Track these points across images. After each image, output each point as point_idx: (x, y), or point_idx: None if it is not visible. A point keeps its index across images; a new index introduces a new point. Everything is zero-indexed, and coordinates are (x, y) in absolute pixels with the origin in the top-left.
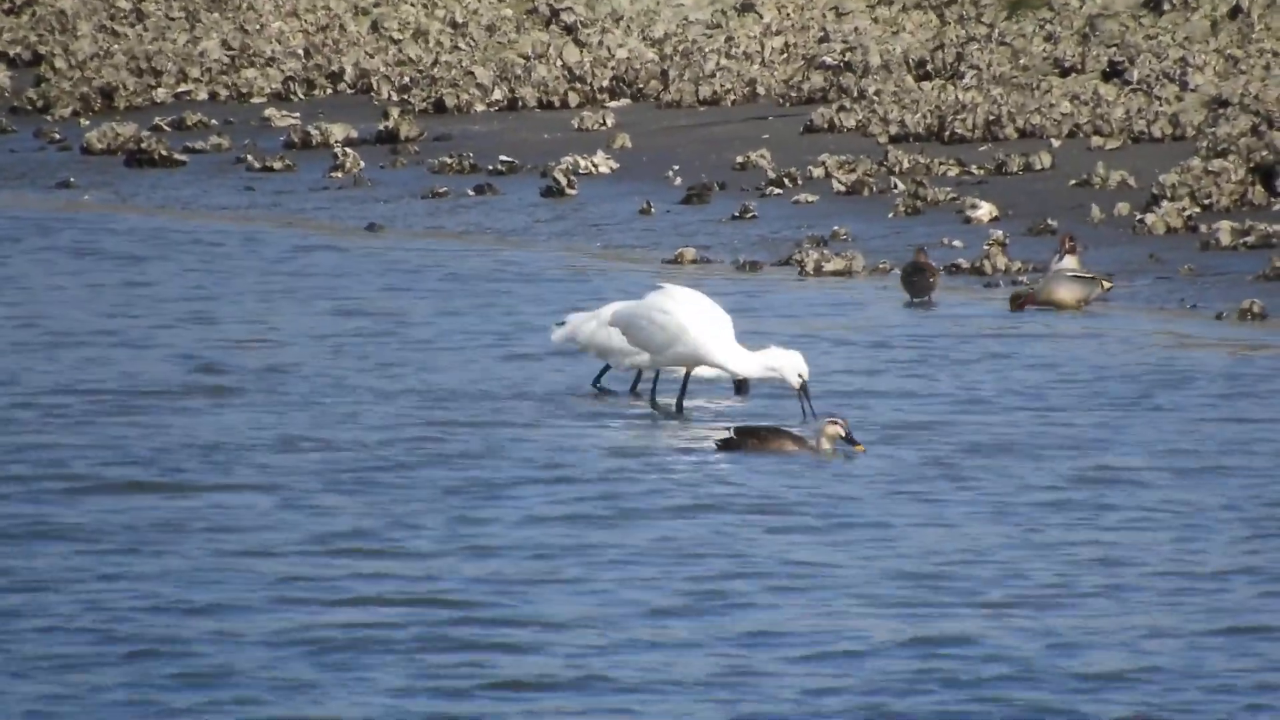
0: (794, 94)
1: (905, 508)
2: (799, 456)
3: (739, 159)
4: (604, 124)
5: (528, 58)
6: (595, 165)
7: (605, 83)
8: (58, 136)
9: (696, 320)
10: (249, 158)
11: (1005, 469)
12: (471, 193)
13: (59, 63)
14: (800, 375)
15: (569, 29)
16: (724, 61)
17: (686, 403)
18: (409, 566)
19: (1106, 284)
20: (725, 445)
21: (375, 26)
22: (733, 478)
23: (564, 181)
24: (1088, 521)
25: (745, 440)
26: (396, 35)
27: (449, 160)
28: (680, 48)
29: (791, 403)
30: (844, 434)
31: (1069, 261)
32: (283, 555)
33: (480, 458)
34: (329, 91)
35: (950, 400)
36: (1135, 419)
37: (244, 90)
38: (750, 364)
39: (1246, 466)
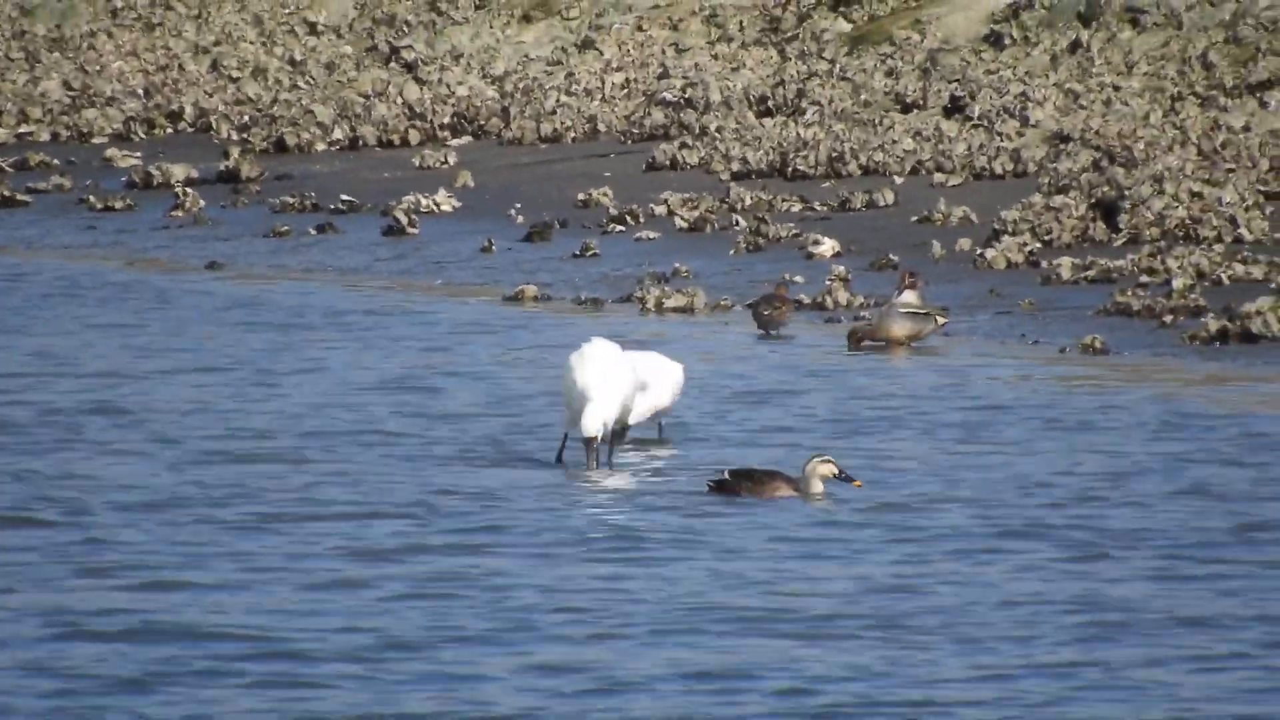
0: (635, 131)
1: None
2: (792, 500)
3: (581, 196)
4: (445, 162)
5: (368, 96)
6: (437, 203)
7: (446, 120)
8: None
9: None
10: (91, 198)
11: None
12: (313, 231)
13: None
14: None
15: (409, 67)
16: (565, 98)
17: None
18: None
19: (941, 319)
20: (719, 487)
21: (215, 65)
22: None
23: (405, 220)
24: (859, 551)
25: (740, 483)
26: (236, 74)
27: (290, 199)
28: (521, 85)
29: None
30: (836, 472)
31: (909, 297)
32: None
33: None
34: (170, 131)
35: (761, 430)
36: (939, 450)
37: (85, 130)
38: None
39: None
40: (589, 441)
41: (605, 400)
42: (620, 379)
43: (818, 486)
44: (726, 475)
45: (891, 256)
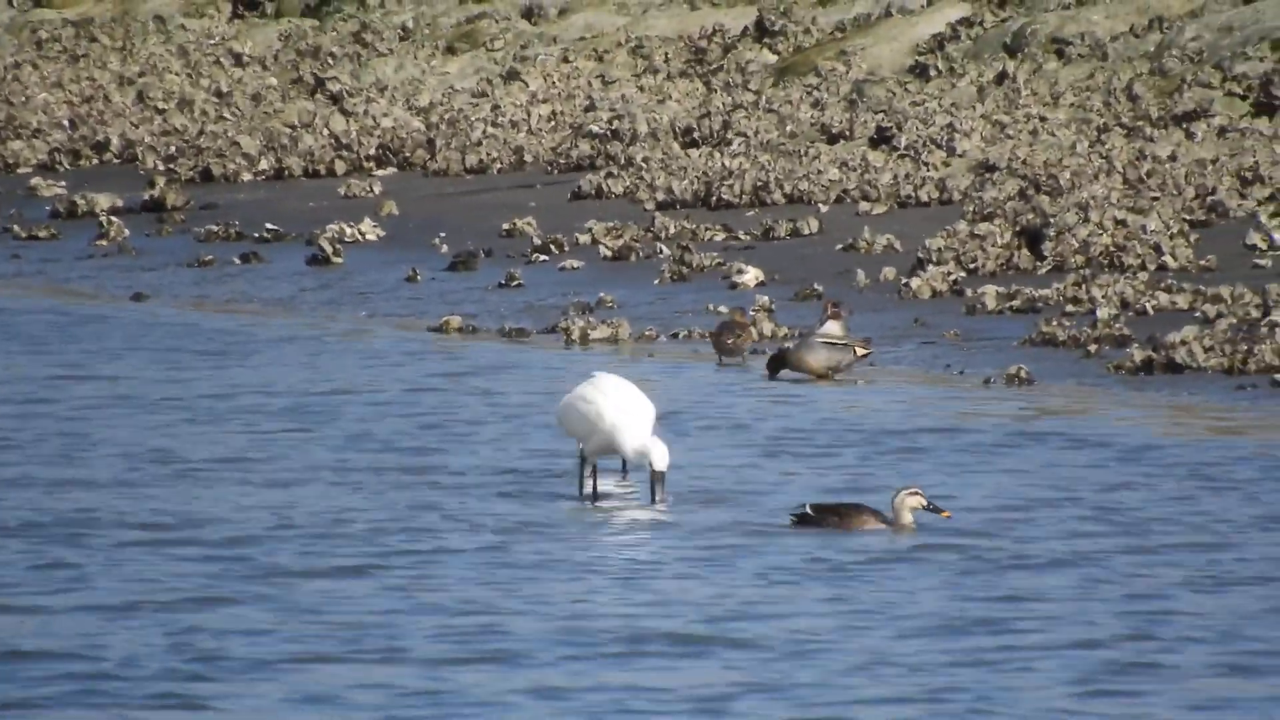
0: (561, 161)
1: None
2: (881, 533)
3: (506, 226)
4: (371, 192)
5: (294, 127)
6: (362, 233)
7: (372, 151)
8: None
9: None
10: (15, 227)
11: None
12: (238, 261)
13: None
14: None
15: (335, 98)
16: (491, 130)
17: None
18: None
19: (861, 350)
20: (801, 521)
21: (140, 97)
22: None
23: (330, 250)
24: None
25: (824, 517)
26: (162, 105)
27: (215, 228)
28: (446, 116)
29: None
30: (925, 503)
31: (832, 327)
32: None
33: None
34: (95, 162)
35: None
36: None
37: (10, 161)
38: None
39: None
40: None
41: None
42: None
43: (907, 518)
44: (809, 510)
45: (816, 286)
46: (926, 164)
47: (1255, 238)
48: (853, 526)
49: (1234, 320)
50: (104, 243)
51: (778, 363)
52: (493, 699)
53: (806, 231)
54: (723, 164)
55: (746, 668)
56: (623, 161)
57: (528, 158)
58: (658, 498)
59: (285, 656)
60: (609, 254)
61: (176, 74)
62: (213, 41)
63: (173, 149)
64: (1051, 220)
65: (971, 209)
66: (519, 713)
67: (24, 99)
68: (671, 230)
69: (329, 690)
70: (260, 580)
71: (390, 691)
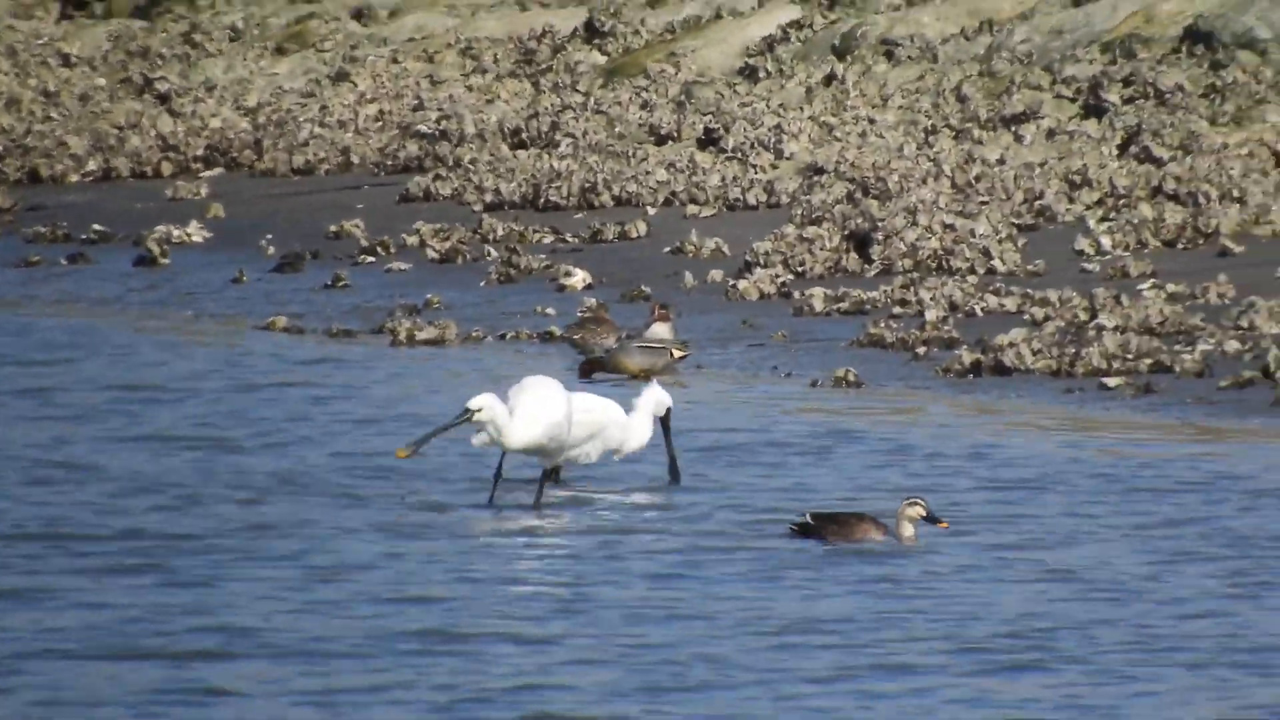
0: (389, 162)
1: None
2: (885, 543)
3: (333, 228)
4: (198, 193)
5: (122, 128)
6: (189, 234)
7: (199, 152)
8: None
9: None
10: None
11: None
12: (65, 262)
13: None
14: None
15: (163, 98)
16: (318, 130)
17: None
18: None
19: (678, 352)
20: (802, 531)
21: None
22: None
23: (157, 250)
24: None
25: (825, 526)
26: None
27: (43, 229)
28: (274, 117)
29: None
30: (925, 514)
31: (659, 329)
32: None
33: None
34: None
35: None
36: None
37: None
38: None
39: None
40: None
41: (530, 422)
42: (554, 410)
43: (909, 530)
44: (809, 519)
45: (644, 288)
46: (754, 166)
47: (1083, 242)
48: (853, 536)
49: (1062, 323)
50: None
51: (592, 365)
52: None
53: (634, 234)
54: (551, 165)
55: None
56: (451, 163)
57: (355, 158)
58: (539, 501)
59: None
60: (436, 256)
61: (4, 74)
62: (41, 42)
63: (1, 149)
64: (880, 224)
65: (800, 212)
66: None
67: None
68: (499, 232)
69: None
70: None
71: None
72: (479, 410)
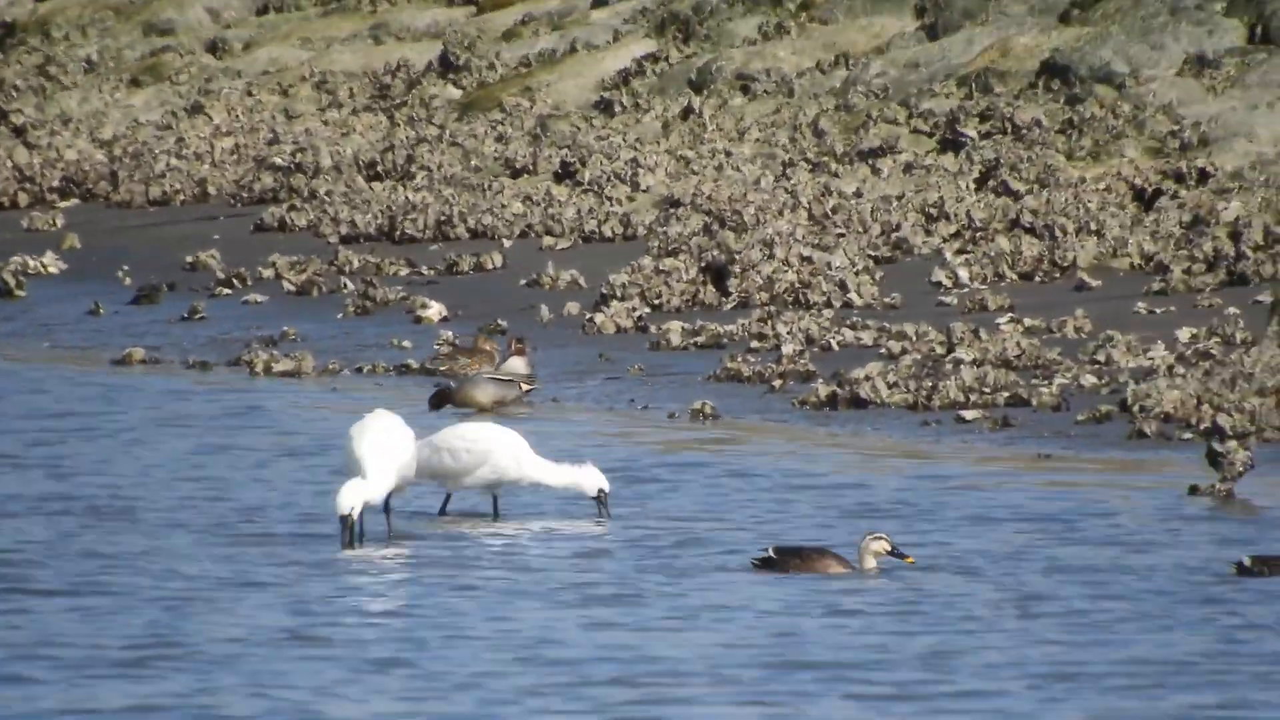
0: (245, 194)
1: None
2: (844, 577)
3: (189, 259)
4: (54, 224)
5: None
6: (44, 265)
7: (55, 183)
8: None
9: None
10: None
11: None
12: None
13: None
14: (600, 489)
15: (18, 130)
16: (174, 162)
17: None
18: None
19: (526, 385)
20: (764, 565)
21: None
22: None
23: (13, 282)
24: None
25: (787, 561)
26: None
27: None
28: (130, 149)
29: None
30: (889, 549)
31: (515, 363)
32: None
33: None
34: None
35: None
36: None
37: None
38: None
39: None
40: (344, 519)
41: (378, 472)
42: (397, 448)
43: (871, 563)
44: (771, 553)
45: (500, 321)
46: (610, 199)
47: (940, 274)
48: (815, 570)
49: (919, 356)
50: None
51: (442, 398)
52: None
53: (490, 266)
54: (406, 198)
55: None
56: (306, 194)
57: (211, 190)
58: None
59: None
60: (292, 288)
61: None
62: None
63: None
64: (736, 256)
65: (656, 244)
66: None
67: None
68: (355, 264)
69: None
70: None
71: None
72: (349, 511)
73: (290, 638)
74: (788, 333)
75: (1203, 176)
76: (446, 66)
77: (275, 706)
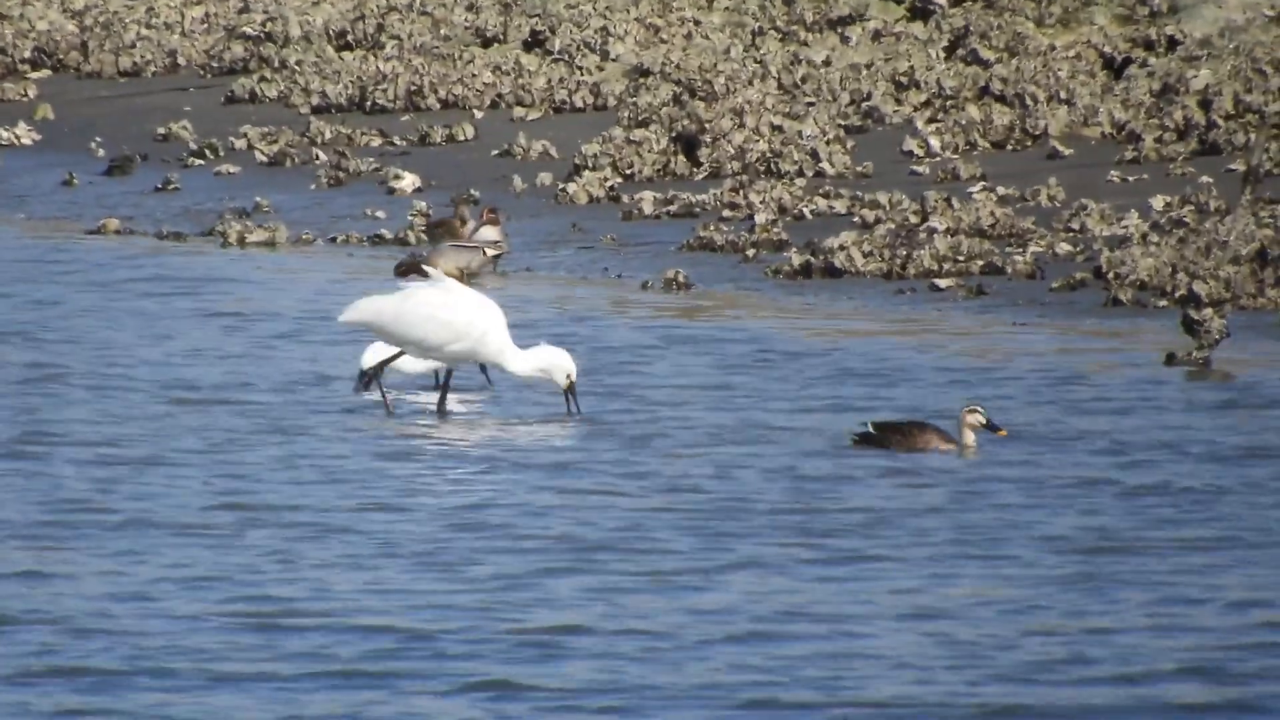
0: (215, 65)
1: None
2: (947, 453)
3: (161, 130)
4: (26, 95)
5: None
6: (17, 136)
7: (27, 54)
8: None
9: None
10: None
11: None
12: None
13: None
14: (569, 375)
15: None
16: (145, 32)
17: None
18: None
19: (490, 251)
20: (864, 441)
21: None
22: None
23: None
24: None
25: (888, 436)
26: None
27: None
28: (101, 19)
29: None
30: (984, 421)
31: (488, 232)
32: None
33: None
34: None
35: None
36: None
37: None
38: (524, 363)
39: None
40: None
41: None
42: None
43: (970, 438)
44: (870, 428)
45: (473, 191)
46: (581, 69)
47: (912, 143)
48: (916, 446)
49: (893, 226)
50: None
51: (409, 268)
52: None
53: (462, 137)
54: (377, 68)
55: None
56: (276, 64)
57: (182, 60)
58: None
59: None
60: (265, 159)
61: None
62: None
63: None
64: (707, 126)
65: (627, 114)
66: None
67: None
68: (327, 135)
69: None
70: None
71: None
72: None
73: None
74: (760, 202)
75: (1172, 44)
76: None
77: None
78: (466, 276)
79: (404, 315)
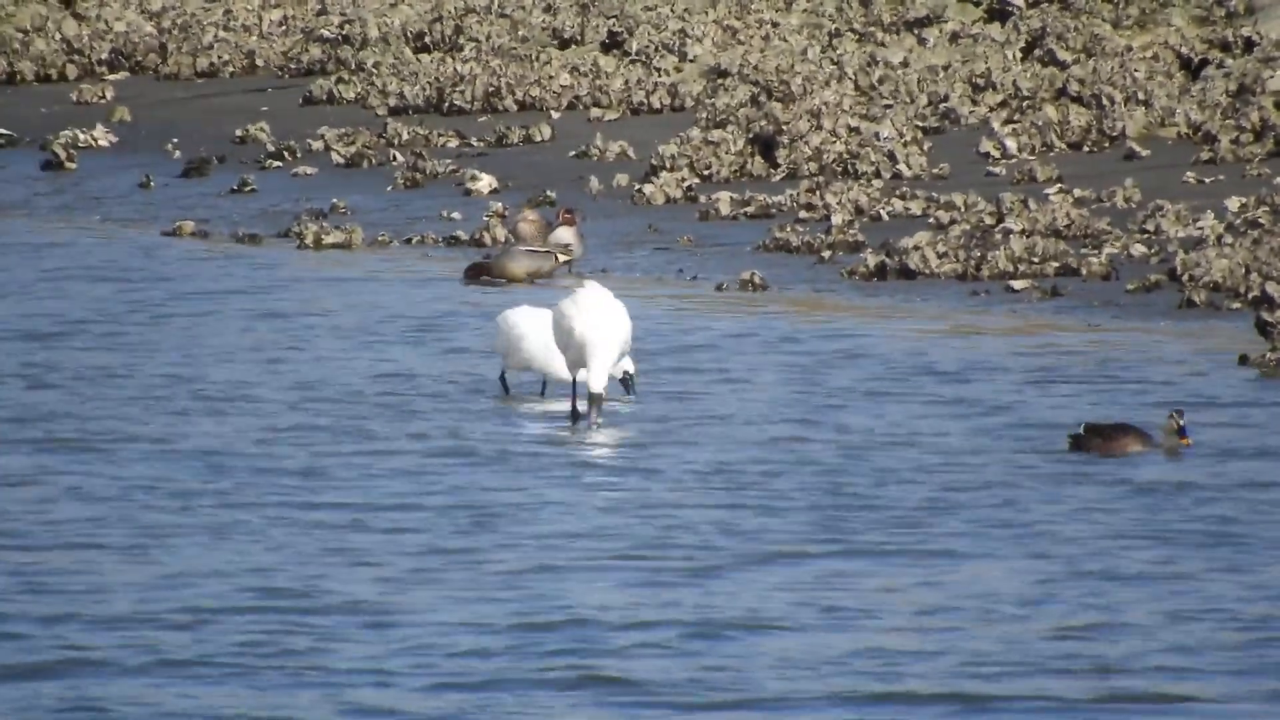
0: (293, 66)
1: None
2: (1147, 456)
3: (239, 132)
4: (103, 97)
5: (26, 31)
6: (95, 138)
7: (104, 55)
8: None
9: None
10: None
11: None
12: None
13: None
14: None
15: (67, 2)
16: (222, 34)
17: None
18: None
19: (563, 256)
20: (1076, 444)
21: None
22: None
23: (63, 155)
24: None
25: (1090, 440)
26: None
27: None
28: (179, 20)
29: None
30: (1176, 427)
31: (564, 233)
32: None
33: None
34: None
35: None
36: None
37: None
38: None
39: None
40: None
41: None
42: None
43: (1172, 442)
44: (1082, 430)
45: (549, 192)
46: (659, 70)
47: (988, 145)
48: (1114, 450)
49: (968, 227)
50: None
51: (478, 270)
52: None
53: (539, 138)
54: (455, 69)
55: None
56: (354, 66)
57: (259, 62)
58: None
59: None
60: (341, 160)
61: None
62: None
63: None
64: (784, 127)
65: (704, 115)
66: None
67: None
68: (404, 137)
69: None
70: None
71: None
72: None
73: None
74: (836, 203)
75: (1249, 45)
76: None
77: None
78: (534, 280)
79: None
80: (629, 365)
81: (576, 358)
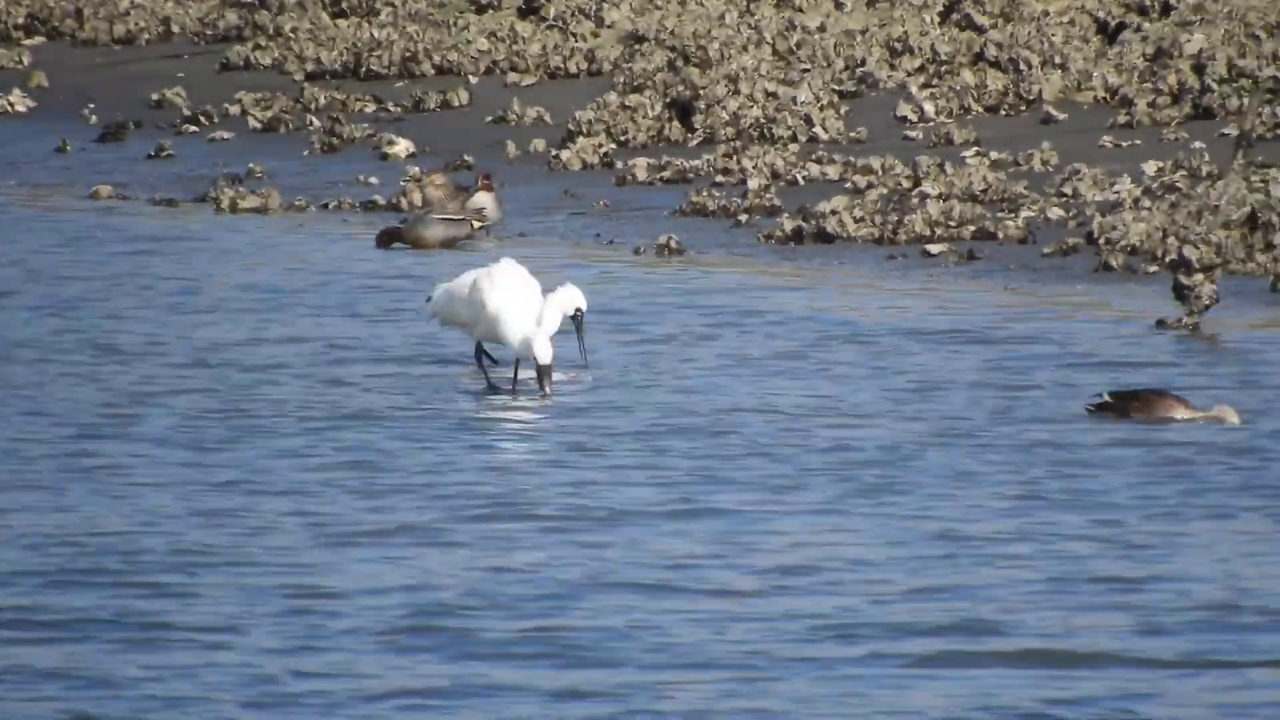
0: (209, 32)
1: None
2: (1192, 423)
3: (155, 97)
4: (19, 62)
5: None
6: (11, 104)
7: (20, 20)
8: None
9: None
10: None
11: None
12: None
13: None
14: (578, 308)
15: None
16: (139, 0)
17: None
18: None
19: (477, 223)
20: (1101, 409)
21: None
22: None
23: None
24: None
25: (1127, 405)
26: None
27: None
28: None
29: None
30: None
31: (482, 198)
32: None
33: None
34: None
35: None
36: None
37: None
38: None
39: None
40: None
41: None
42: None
43: (1223, 409)
44: (1108, 397)
45: (467, 157)
46: (575, 35)
47: (905, 109)
48: (1156, 415)
49: (885, 191)
50: None
51: (390, 236)
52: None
53: (456, 103)
54: (372, 34)
55: None
56: (271, 31)
57: (175, 28)
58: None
59: None
60: (259, 125)
61: None
62: None
63: None
64: (701, 92)
65: (621, 80)
66: None
67: None
68: (321, 101)
69: None
70: None
71: None
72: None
73: None
74: (753, 167)
75: (1165, 9)
76: None
77: None
78: (447, 247)
79: None
80: (580, 301)
81: (487, 332)
